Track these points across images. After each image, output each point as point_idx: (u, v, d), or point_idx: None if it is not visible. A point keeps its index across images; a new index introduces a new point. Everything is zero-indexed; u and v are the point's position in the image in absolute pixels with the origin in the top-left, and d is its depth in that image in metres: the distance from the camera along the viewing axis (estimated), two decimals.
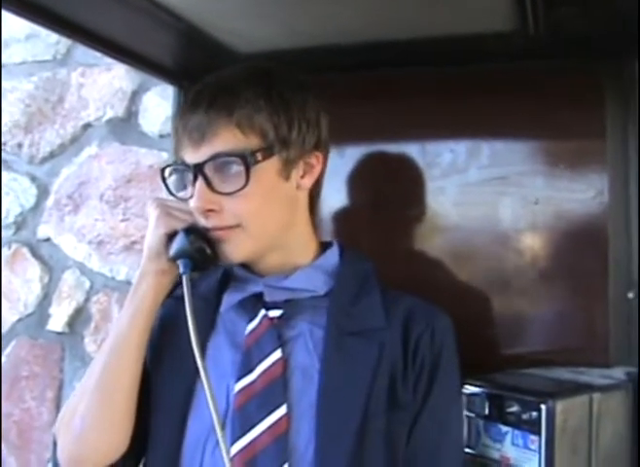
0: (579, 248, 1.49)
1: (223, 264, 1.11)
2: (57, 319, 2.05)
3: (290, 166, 1.08)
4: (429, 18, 1.26)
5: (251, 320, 1.11)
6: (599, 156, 1.47)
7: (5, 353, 2.10)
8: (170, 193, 1.12)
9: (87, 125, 2.06)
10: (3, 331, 2.11)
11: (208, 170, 1.04)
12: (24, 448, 2.05)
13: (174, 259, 1.07)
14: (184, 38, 1.38)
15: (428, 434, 1.08)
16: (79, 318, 2.04)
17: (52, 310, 2.07)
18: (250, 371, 1.06)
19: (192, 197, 1.05)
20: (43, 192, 2.10)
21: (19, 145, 2.13)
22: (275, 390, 1.04)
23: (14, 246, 2.12)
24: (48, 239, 2.09)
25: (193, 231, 1.08)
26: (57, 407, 2.03)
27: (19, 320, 2.10)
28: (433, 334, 1.10)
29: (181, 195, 1.10)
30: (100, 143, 2.04)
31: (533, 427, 1.16)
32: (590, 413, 1.20)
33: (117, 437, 1.08)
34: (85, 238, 2.03)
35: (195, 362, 1.02)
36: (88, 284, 2.03)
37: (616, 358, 1.42)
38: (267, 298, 1.11)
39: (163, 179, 1.11)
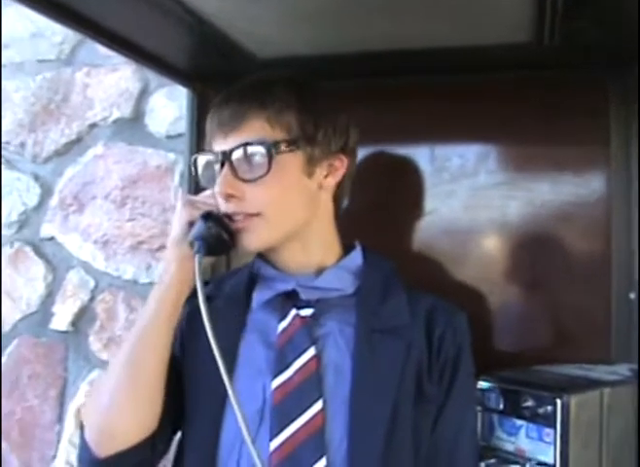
0: (582, 250, 1.55)
1: (239, 251, 1.15)
2: (61, 318, 2.05)
3: (313, 164, 1.14)
4: (446, 30, 1.30)
5: (282, 319, 1.15)
6: (603, 162, 1.52)
7: (7, 352, 2.10)
8: (197, 183, 1.20)
9: (92, 125, 2.07)
10: (5, 330, 2.11)
11: (235, 158, 1.09)
12: (27, 446, 2.04)
13: (190, 242, 1.11)
14: (201, 39, 1.39)
15: (450, 423, 1.14)
16: (83, 317, 2.04)
17: (55, 309, 2.07)
18: (285, 368, 1.10)
19: (216, 183, 1.11)
20: (46, 191, 2.11)
21: (23, 144, 2.13)
22: (311, 386, 1.09)
23: (16, 245, 2.12)
24: (52, 238, 2.09)
25: (210, 216, 1.12)
26: (61, 405, 2.04)
27: (22, 319, 2.10)
28: (454, 330, 1.17)
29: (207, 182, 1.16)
30: (106, 143, 2.05)
31: (548, 421, 1.21)
32: (601, 408, 1.25)
33: (144, 415, 1.11)
34: (90, 238, 2.04)
35: (227, 361, 1.06)
36: (92, 283, 2.03)
37: (617, 355, 1.47)
38: (303, 297, 1.14)
39: (195, 169, 1.17)
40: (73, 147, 2.10)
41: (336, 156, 1.16)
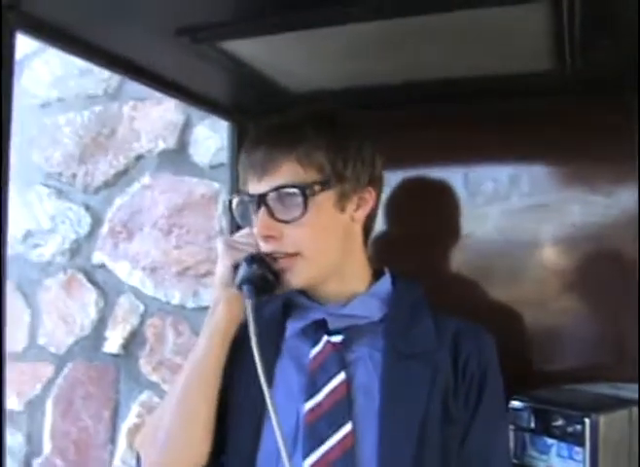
0: (611, 270, 1.57)
1: (284, 290, 1.19)
2: (113, 342, 2.13)
3: (345, 200, 1.17)
4: (474, 61, 1.35)
5: (314, 345, 1.19)
6: (631, 183, 1.54)
7: (62, 374, 2.19)
8: (231, 221, 1.28)
9: (139, 157, 2.15)
10: (60, 353, 2.20)
11: (270, 200, 1.13)
12: (82, 464, 2.13)
13: (239, 286, 1.15)
14: (241, 79, 1.47)
15: (478, 446, 1.16)
16: (134, 341, 2.11)
17: (107, 333, 2.15)
18: (317, 392, 1.14)
19: (254, 225, 1.16)
20: (97, 220, 2.19)
21: (74, 175, 2.23)
22: (341, 409, 1.13)
23: (69, 272, 2.21)
24: (102, 265, 2.18)
25: (255, 259, 1.16)
26: (114, 425, 2.11)
27: (76, 343, 2.19)
28: (480, 353, 1.19)
29: (246, 227, 1.21)
30: (153, 173, 2.13)
31: (578, 439, 1.24)
32: (630, 426, 1.27)
33: (197, 450, 1.17)
34: (138, 265, 2.12)
35: (261, 385, 1.10)
36: (142, 308, 2.11)
37: None
38: (331, 326, 1.19)
39: (230, 209, 1.22)
40: (121, 178, 2.18)
41: (365, 188, 1.20)
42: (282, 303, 1.25)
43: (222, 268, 1.20)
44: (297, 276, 1.17)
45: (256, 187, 1.15)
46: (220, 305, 1.19)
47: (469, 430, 1.16)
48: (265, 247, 1.16)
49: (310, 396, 1.15)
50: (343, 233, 1.20)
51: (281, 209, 1.14)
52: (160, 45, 1.26)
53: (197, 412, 1.17)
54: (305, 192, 1.13)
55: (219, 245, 1.23)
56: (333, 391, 1.14)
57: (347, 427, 1.11)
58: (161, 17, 1.15)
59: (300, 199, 1.13)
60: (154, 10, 1.12)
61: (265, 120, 1.22)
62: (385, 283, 1.26)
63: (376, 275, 1.27)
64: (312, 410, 1.14)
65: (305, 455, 1.11)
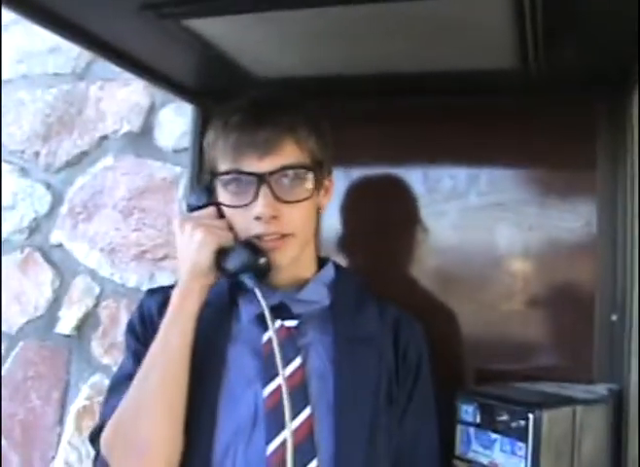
0: (567, 273, 1.58)
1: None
2: (66, 322, 2.11)
3: (320, 186, 1.21)
4: (436, 54, 1.34)
5: (266, 329, 1.17)
6: (589, 186, 1.55)
7: (13, 354, 2.17)
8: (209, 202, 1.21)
9: (103, 138, 2.14)
10: (12, 332, 2.18)
11: (273, 180, 1.13)
12: (28, 445, 2.10)
13: (236, 274, 1.14)
14: (206, 60, 1.45)
15: (412, 427, 1.22)
16: (87, 322, 2.10)
17: (61, 314, 2.13)
18: (275, 376, 1.14)
19: (248, 204, 1.14)
20: (57, 199, 2.18)
21: (37, 153, 2.21)
22: (300, 393, 1.14)
23: (26, 250, 2.19)
24: (60, 245, 2.16)
25: (249, 244, 1.15)
26: (62, 407, 2.10)
27: (29, 322, 2.16)
28: (416, 340, 1.27)
29: (233, 203, 1.17)
30: (116, 155, 2.11)
31: (521, 435, 1.25)
32: (574, 424, 1.29)
33: (179, 448, 1.13)
34: (97, 246, 2.10)
35: (217, 370, 1.15)
36: (97, 290, 2.09)
37: (598, 376, 1.49)
38: (294, 310, 1.20)
39: (210, 186, 1.20)
40: (84, 158, 2.16)
41: (329, 176, 1.25)
42: (228, 284, 1.23)
43: (202, 254, 1.15)
44: (284, 256, 1.18)
45: (256, 165, 1.13)
46: (194, 294, 1.16)
47: (405, 412, 1.21)
48: (263, 228, 1.14)
49: (269, 380, 1.15)
50: (315, 217, 1.24)
51: (284, 189, 1.14)
52: (125, 19, 1.23)
53: (177, 408, 1.13)
54: (316, 172, 1.17)
55: (191, 229, 1.17)
56: (291, 376, 1.14)
57: (307, 411, 1.13)
58: None
59: (305, 180, 1.16)
60: None
61: (237, 100, 1.22)
62: (330, 270, 1.29)
63: (320, 263, 1.30)
64: (272, 395, 1.14)
65: (268, 440, 1.12)
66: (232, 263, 1.14)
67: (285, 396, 1.03)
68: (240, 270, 1.14)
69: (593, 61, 1.37)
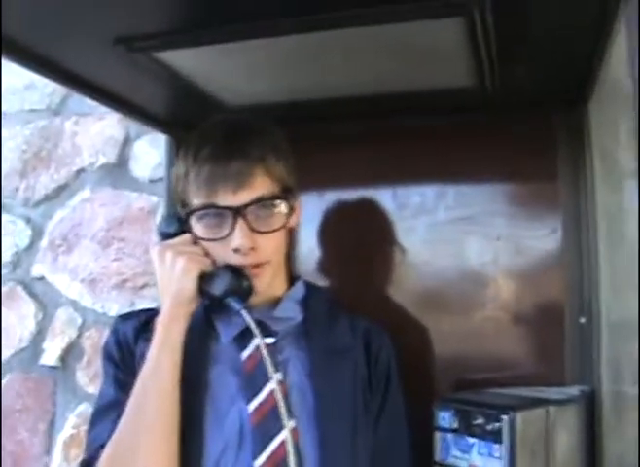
0: (536, 280, 1.62)
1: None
2: (50, 354, 2.14)
3: (292, 211, 1.23)
4: (399, 76, 1.40)
5: (244, 348, 1.23)
6: (552, 196, 1.61)
7: None
8: (191, 235, 1.22)
9: (80, 171, 2.18)
10: None
11: (249, 212, 1.16)
12: None
13: (221, 298, 1.17)
14: (178, 91, 1.50)
15: (387, 428, 1.26)
16: (71, 353, 2.12)
17: (45, 345, 2.15)
18: (257, 392, 1.18)
19: (225, 237, 1.16)
20: (37, 233, 2.21)
21: (16, 189, 2.24)
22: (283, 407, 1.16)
23: (9, 284, 2.21)
24: (42, 278, 2.19)
25: (232, 269, 1.18)
26: (49, 437, 2.11)
27: (14, 355, 2.18)
28: (386, 348, 1.31)
29: (209, 236, 1.19)
30: (93, 187, 2.15)
31: (496, 437, 1.29)
32: (547, 424, 1.33)
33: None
34: (77, 277, 2.13)
35: (201, 391, 1.17)
36: (80, 320, 2.12)
37: (571, 378, 1.53)
38: (273, 327, 1.23)
39: (186, 220, 1.21)
40: (62, 191, 2.20)
41: (296, 198, 1.27)
42: (203, 310, 1.25)
43: (186, 282, 1.17)
44: (262, 282, 1.22)
45: (231, 199, 1.15)
46: (178, 322, 1.17)
47: (378, 418, 1.26)
48: (241, 259, 1.17)
49: (252, 397, 1.18)
50: (286, 240, 1.27)
51: (259, 220, 1.17)
52: (98, 54, 1.28)
53: (173, 435, 1.13)
54: (289, 202, 1.20)
55: (172, 256, 1.19)
56: (273, 391, 1.15)
57: (291, 424, 1.14)
58: (100, 25, 1.17)
59: (277, 210, 1.19)
60: (92, 17, 1.14)
61: (204, 129, 1.25)
62: (300, 287, 1.33)
63: (290, 281, 1.34)
64: (257, 410, 1.17)
65: (255, 456, 1.14)
66: (217, 287, 1.17)
67: (279, 398, 1.07)
68: (226, 294, 1.17)
69: (548, 77, 1.42)
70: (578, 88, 1.47)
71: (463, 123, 1.64)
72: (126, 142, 2.14)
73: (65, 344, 2.13)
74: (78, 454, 2.04)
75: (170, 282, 1.18)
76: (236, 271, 1.18)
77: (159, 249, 1.22)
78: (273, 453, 1.14)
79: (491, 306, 1.65)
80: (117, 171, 2.14)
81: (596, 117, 1.47)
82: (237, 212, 1.15)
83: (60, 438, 2.10)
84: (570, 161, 1.59)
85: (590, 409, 1.43)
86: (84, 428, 2.01)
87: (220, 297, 1.17)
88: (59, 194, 2.20)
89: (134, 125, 2.11)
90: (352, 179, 1.74)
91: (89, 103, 2.15)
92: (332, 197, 1.74)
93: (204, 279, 1.18)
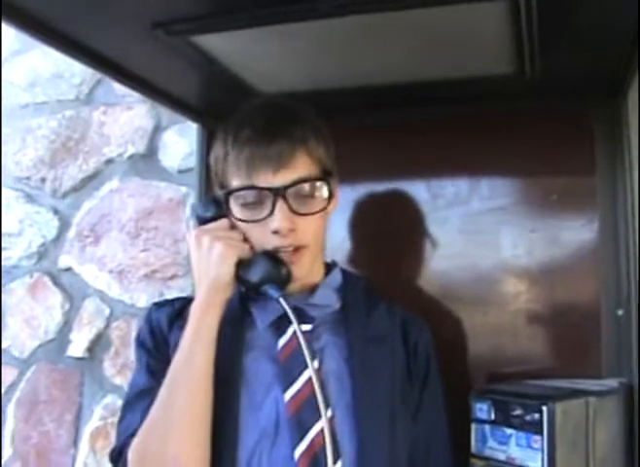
0: (571, 271, 1.61)
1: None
2: (77, 345, 2.13)
3: (332, 195, 1.20)
4: (435, 64, 1.39)
5: (281, 335, 1.20)
6: (589, 186, 1.59)
7: (25, 378, 2.18)
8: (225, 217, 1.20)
9: (108, 161, 2.17)
10: (24, 356, 2.19)
11: (289, 194, 1.14)
12: None
13: (259, 285, 1.15)
14: (212, 78, 1.49)
15: (428, 418, 1.24)
16: (98, 344, 2.12)
17: (72, 337, 2.15)
18: (294, 381, 1.15)
19: (264, 218, 1.14)
20: (65, 224, 2.21)
21: (43, 179, 2.24)
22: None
23: (36, 275, 2.22)
24: (69, 269, 2.18)
25: (270, 255, 1.16)
26: (76, 429, 2.11)
27: (40, 346, 2.18)
28: (424, 337, 1.29)
29: (247, 217, 1.16)
30: (122, 178, 2.15)
31: (535, 428, 1.27)
32: (587, 415, 1.31)
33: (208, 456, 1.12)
34: (105, 268, 2.13)
35: (236, 378, 1.16)
36: (107, 311, 2.12)
37: (607, 371, 1.52)
38: (311, 313, 1.21)
39: (226, 202, 1.18)
40: (90, 182, 2.20)
41: (336, 183, 1.24)
42: (238, 291, 1.23)
43: (223, 268, 1.15)
44: (302, 269, 1.19)
45: (271, 180, 1.13)
46: (215, 308, 1.15)
47: (418, 408, 1.23)
48: (280, 241, 1.15)
49: (288, 385, 1.16)
50: (326, 225, 1.24)
51: (299, 202, 1.15)
52: (136, 39, 1.27)
53: (205, 423, 1.11)
54: (330, 184, 1.18)
55: (209, 242, 1.17)
56: (310, 379, 1.12)
57: (328, 413, 1.11)
58: (138, 10, 1.16)
59: (319, 193, 1.17)
60: (131, 3, 1.14)
61: (243, 112, 1.22)
62: (337, 275, 1.31)
63: (328, 267, 1.32)
64: (293, 398, 1.15)
65: (295, 445, 1.12)
66: (255, 274, 1.15)
67: (316, 387, 1.05)
68: (264, 282, 1.14)
69: (588, 67, 1.41)
70: (617, 78, 1.46)
71: (499, 112, 1.62)
72: (155, 132, 2.13)
73: (93, 336, 2.13)
74: (104, 446, 2.04)
75: (207, 268, 1.16)
76: (275, 258, 1.16)
77: (195, 233, 1.20)
78: (311, 443, 1.12)
79: (525, 298, 1.64)
80: (145, 161, 2.14)
81: (635, 108, 1.44)
82: (277, 193, 1.13)
83: (87, 430, 2.10)
84: (608, 151, 1.58)
85: (630, 401, 1.42)
86: (110, 420, 2.02)
87: (258, 284, 1.15)
88: (87, 184, 2.20)
89: (163, 116, 2.10)
90: (385, 169, 1.73)
91: (117, 93, 2.17)
92: (364, 187, 1.73)
93: (241, 266, 1.16)
